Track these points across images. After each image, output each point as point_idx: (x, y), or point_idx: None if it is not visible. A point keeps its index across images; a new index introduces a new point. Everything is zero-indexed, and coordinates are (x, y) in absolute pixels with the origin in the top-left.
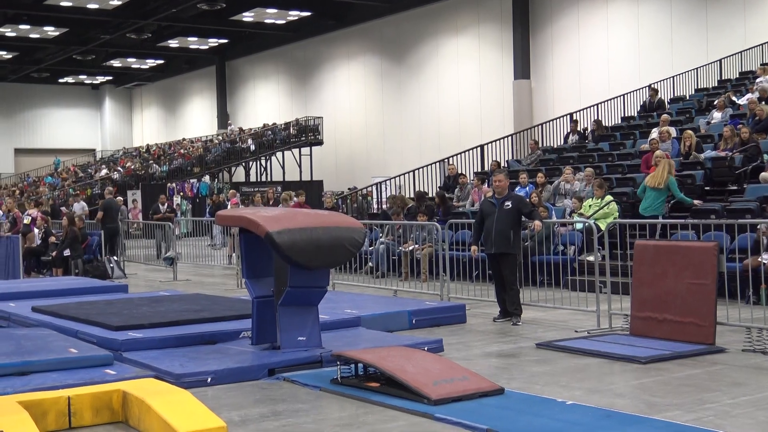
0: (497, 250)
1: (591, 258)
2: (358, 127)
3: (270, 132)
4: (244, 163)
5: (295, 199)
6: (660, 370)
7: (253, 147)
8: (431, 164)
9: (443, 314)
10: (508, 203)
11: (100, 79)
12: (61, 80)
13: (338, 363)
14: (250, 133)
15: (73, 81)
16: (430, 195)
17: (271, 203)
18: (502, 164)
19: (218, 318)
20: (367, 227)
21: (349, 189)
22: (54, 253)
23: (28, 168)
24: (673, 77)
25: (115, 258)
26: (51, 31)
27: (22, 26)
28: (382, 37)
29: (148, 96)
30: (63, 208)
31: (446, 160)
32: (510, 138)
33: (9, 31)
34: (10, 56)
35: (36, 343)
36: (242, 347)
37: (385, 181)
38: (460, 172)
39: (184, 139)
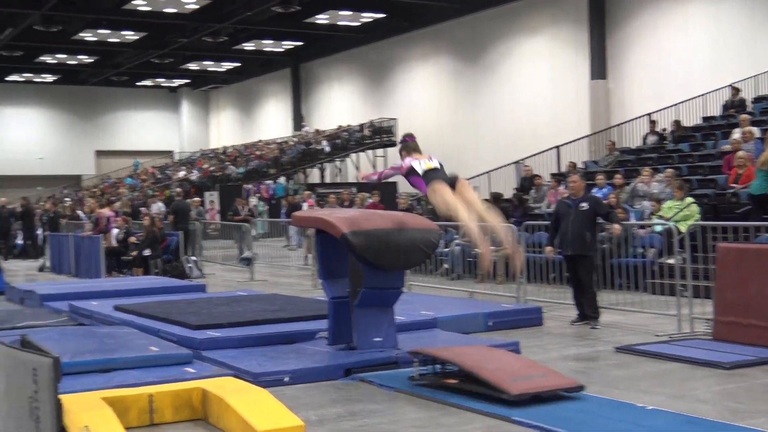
0: (573, 252)
1: (671, 261)
2: (432, 128)
3: (345, 133)
4: (319, 165)
5: (369, 199)
6: (744, 376)
7: (327, 148)
8: (506, 165)
9: (519, 316)
10: (584, 204)
11: (177, 82)
12: (139, 83)
13: (415, 360)
14: (324, 134)
15: (151, 84)
16: (506, 196)
17: (346, 204)
18: (579, 165)
19: (295, 318)
20: (442, 229)
21: None
22: (134, 253)
23: (109, 170)
24: (756, 76)
25: (194, 258)
26: (129, 35)
27: (101, 31)
28: (456, 39)
29: (225, 98)
30: (142, 209)
31: (522, 161)
32: (586, 139)
33: (89, 36)
34: (90, 60)
35: (118, 341)
36: (319, 347)
37: None
38: (535, 173)
39: (259, 141)
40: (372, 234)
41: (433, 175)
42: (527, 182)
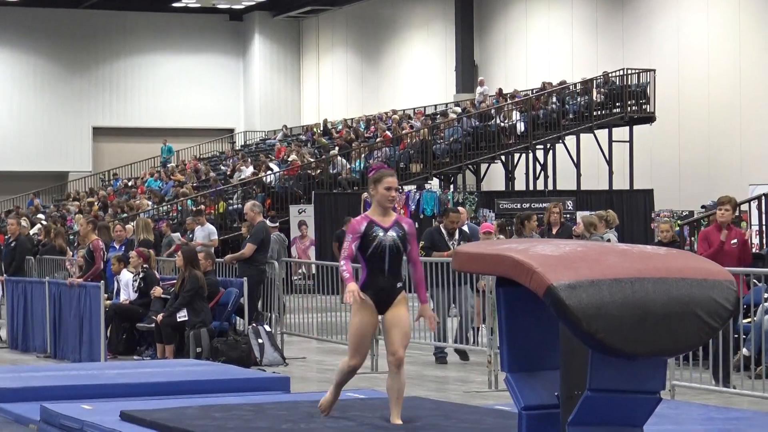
0: None
1: None
2: (723, 90)
3: (555, 99)
4: (503, 157)
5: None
6: None
7: (522, 127)
8: None
9: None
10: None
11: (245, 1)
12: (175, 4)
13: None
14: (515, 101)
15: (197, 6)
16: None
17: (555, 232)
18: None
19: None
20: (741, 280)
21: (703, 207)
22: (159, 317)
23: (116, 162)
24: None
25: (267, 328)
26: None
27: None
28: None
29: (331, 33)
30: (177, 236)
31: None
32: None
33: None
34: None
35: None
36: None
37: None
38: None
39: (393, 112)
40: (604, 288)
41: (374, 266)
42: None
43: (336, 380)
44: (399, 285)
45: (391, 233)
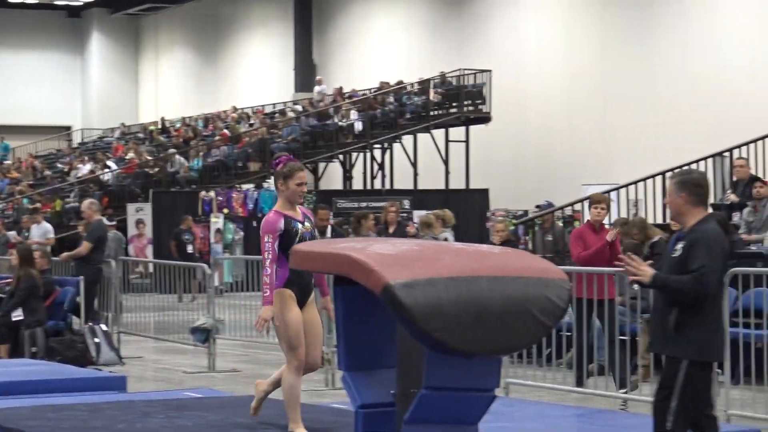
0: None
1: None
2: (556, 90)
3: (392, 99)
4: (342, 156)
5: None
6: None
7: (360, 126)
8: (698, 161)
9: None
10: (679, 246)
11: None
12: (12, 0)
13: None
14: (354, 100)
15: (34, 2)
16: None
17: (391, 231)
18: None
19: None
20: (573, 279)
21: (538, 207)
22: None
23: None
24: None
25: (104, 327)
26: None
27: None
28: None
29: (169, 31)
30: (12, 234)
31: (729, 155)
32: None
33: None
34: None
35: None
36: None
37: (609, 192)
38: (755, 174)
39: (235, 110)
40: (440, 286)
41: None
42: (739, 191)
43: (286, 400)
44: (312, 280)
45: (307, 225)
